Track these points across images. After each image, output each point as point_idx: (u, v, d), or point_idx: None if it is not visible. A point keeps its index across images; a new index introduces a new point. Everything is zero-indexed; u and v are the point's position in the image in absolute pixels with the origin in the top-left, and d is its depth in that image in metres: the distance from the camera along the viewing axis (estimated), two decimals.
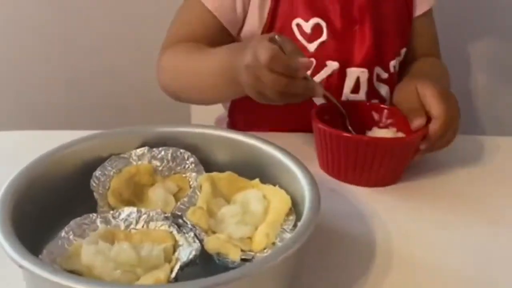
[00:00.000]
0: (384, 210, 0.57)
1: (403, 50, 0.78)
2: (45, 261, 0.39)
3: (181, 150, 0.54)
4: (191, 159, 0.54)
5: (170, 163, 0.54)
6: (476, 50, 1.16)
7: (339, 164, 0.60)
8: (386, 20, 0.75)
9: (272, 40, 0.53)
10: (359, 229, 0.54)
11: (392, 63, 0.76)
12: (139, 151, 0.54)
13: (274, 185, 0.49)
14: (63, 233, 0.43)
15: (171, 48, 0.73)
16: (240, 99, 0.72)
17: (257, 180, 0.50)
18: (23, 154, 0.48)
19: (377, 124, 0.66)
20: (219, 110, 0.86)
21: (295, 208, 0.46)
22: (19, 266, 0.37)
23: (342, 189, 0.61)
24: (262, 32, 0.73)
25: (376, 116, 0.66)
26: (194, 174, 0.54)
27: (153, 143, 0.54)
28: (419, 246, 0.52)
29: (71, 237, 0.43)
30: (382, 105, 0.68)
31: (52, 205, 0.46)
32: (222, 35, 0.74)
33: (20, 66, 1.23)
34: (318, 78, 0.73)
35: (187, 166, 0.54)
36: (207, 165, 0.54)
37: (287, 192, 0.47)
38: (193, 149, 0.55)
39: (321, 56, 0.72)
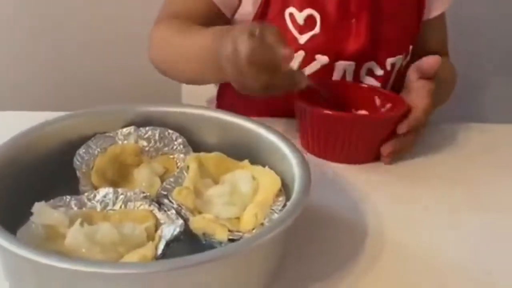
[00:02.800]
0: (374, 191, 0.56)
1: (410, 49, 0.76)
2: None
3: (169, 131, 0.52)
4: (180, 140, 0.52)
5: (158, 144, 0.52)
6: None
7: (319, 141, 0.61)
8: (387, 18, 0.72)
9: (252, 33, 0.51)
10: (349, 211, 0.53)
11: (390, 60, 0.73)
12: (126, 130, 0.51)
13: (264, 166, 0.47)
14: None
15: (163, 23, 0.70)
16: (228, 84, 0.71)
17: (246, 161, 0.48)
18: (4, 134, 0.46)
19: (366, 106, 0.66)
20: (211, 91, 0.84)
21: (285, 189, 0.44)
22: None
23: (330, 170, 0.60)
24: (254, 19, 0.71)
25: (363, 98, 0.66)
26: (182, 155, 0.51)
27: (140, 123, 0.52)
28: (409, 228, 0.51)
29: None
30: (367, 87, 0.69)
31: (32, 184, 0.44)
32: (216, 16, 0.72)
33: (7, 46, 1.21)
34: (306, 72, 0.70)
35: (175, 147, 0.52)
36: (196, 146, 0.52)
37: (277, 173, 0.45)
38: (181, 129, 0.52)
39: (311, 49, 0.70)
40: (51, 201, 0.42)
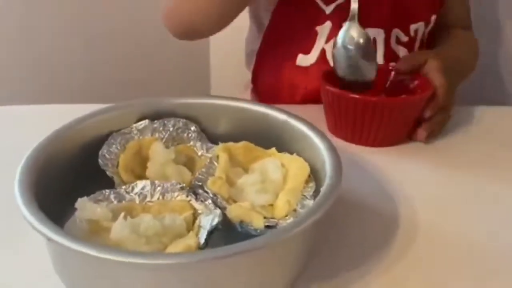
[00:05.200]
0: (403, 175, 0.56)
1: (433, 18, 0.77)
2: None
3: (182, 120, 0.54)
4: (192, 128, 0.54)
5: (173, 134, 0.53)
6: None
7: (347, 125, 0.63)
8: None
9: None
10: (379, 196, 0.54)
11: (413, 27, 0.75)
12: (140, 124, 0.53)
13: (291, 153, 0.49)
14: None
15: None
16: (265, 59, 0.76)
17: (273, 149, 0.50)
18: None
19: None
20: (242, 77, 0.86)
21: (314, 175, 0.46)
22: (48, 240, 0.36)
23: (358, 154, 0.61)
24: None
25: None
26: (199, 143, 0.53)
27: (151, 117, 0.53)
28: (442, 213, 0.52)
29: None
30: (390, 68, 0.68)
31: (67, 186, 0.45)
32: None
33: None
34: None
35: (190, 135, 0.54)
36: (209, 136, 0.54)
37: (305, 159, 0.48)
38: (194, 120, 0.54)
39: (338, 18, 0.71)
40: (92, 195, 0.43)
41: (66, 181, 0.45)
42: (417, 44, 0.78)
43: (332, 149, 0.46)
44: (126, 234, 0.39)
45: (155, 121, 0.53)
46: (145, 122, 0.53)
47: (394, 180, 0.56)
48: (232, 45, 0.90)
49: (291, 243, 0.39)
